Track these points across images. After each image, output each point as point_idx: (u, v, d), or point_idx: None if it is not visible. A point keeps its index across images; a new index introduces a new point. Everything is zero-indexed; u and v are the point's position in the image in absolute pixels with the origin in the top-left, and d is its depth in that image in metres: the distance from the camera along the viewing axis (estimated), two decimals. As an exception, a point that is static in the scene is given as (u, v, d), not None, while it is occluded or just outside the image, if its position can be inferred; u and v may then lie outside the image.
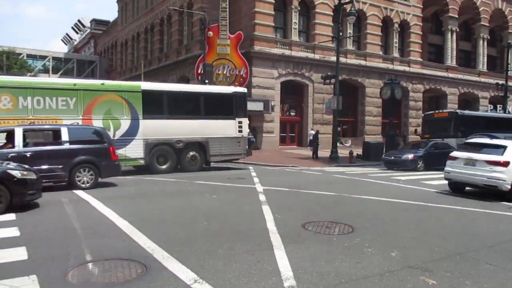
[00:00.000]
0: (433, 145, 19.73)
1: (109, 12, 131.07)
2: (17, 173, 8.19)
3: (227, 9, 29.58)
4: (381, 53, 36.05)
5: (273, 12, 30.41)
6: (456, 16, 40.35)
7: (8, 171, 8.16)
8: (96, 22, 69.22)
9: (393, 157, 19.58)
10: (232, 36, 29.35)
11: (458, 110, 24.78)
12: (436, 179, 14.74)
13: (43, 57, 55.66)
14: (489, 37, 43.52)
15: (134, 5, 49.27)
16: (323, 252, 5.82)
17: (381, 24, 35.81)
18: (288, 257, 5.49)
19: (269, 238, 6.43)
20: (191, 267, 5.06)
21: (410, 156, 18.88)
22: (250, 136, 28.08)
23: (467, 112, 25.40)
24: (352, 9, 23.66)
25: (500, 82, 34.13)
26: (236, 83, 29.06)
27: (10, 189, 8.00)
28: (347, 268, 5.15)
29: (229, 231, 6.94)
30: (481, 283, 4.76)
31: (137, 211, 8.51)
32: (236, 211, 8.71)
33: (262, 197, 10.30)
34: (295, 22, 31.44)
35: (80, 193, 10.67)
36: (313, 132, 27.08)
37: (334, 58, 27.04)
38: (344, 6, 25.08)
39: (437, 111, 26.70)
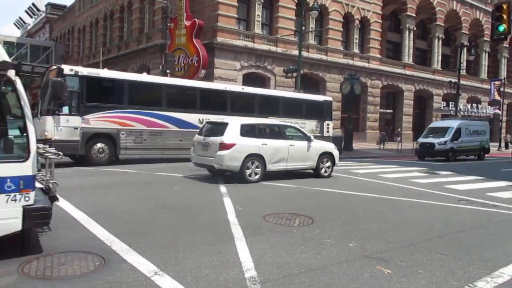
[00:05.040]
0: None
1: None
2: None
3: (183, -1, 28.99)
4: (342, 48, 36.70)
5: (236, 4, 30.25)
6: (414, 15, 41.69)
7: None
8: (52, 6, 66.28)
9: None
10: (187, 24, 28.85)
11: (65, 66, 14.86)
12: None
13: (-7, 41, 52.82)
14: (444, 37, 45.28)
15: (93, -10, 47.59)
16: (284, 243, 5.90)
17: (342, 20, 36.43)
18: (249, 249, 5.52)
19: (230, 230, 6.45)
20: (151, 259, 5.00)
21: None
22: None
23: (88, 71, 15.09)
24: (315, 4, 24.00)
25: (453, 80, 35.67)
26: (190, 73, 28.62)
27: None
28: (307, 259, 5.25)
29: (190, 222, 6.89)
30: (432, 272, 4.98)
31: (94, 202, 8.28)
32: (197, 203, 8.65)
33: (223, 189, 10.29)
34: (258, 15, 31.43)
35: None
36: None
37: (296, 52, 27.29)
38: (307, 0, 25.33)
39: (51, 67, 15.35)
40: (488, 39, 46.96)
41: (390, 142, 34.51)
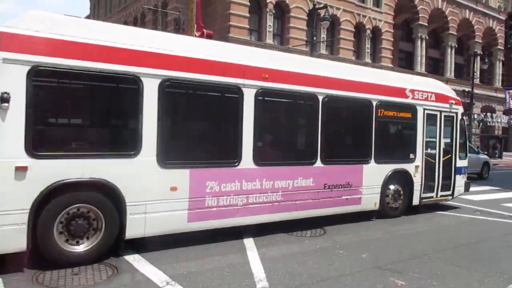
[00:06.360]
0: None
1: (81, 8, 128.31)
2: None
3: (194, 10, 29.25)
4: (353, 58, 36.62)
5: (248, 15, 30.47)
6: (426, 24, 41.50)
7: None
8: (66, 18, 67.40)
9: None
10: (197, 35, 29.03)
11: None
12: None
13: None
14: (456, 46, 44.94)
15: (107, 3, 48.39)
16: (296, 253, 5.87)
17: (353, 29, 36.40)
18: (261, 259, 5.51)
19: (242, 240, 6.43)
20: (163, 269, 5.01)
21: None
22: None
23: None
24: (326, 14, 24.00)
25: (467, 89, 35.33)
26: None
27: None
28: (319, 270, 5.21)
29: (201, 233, 6.89)
30: (447, 284, 4.90)
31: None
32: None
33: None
34: (269, 25, 31.59)
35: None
36: None
37: (307, 62, 27.28)
38: (319, 11, 25.41)
39: None
40: (502, 48, 46.48)
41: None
